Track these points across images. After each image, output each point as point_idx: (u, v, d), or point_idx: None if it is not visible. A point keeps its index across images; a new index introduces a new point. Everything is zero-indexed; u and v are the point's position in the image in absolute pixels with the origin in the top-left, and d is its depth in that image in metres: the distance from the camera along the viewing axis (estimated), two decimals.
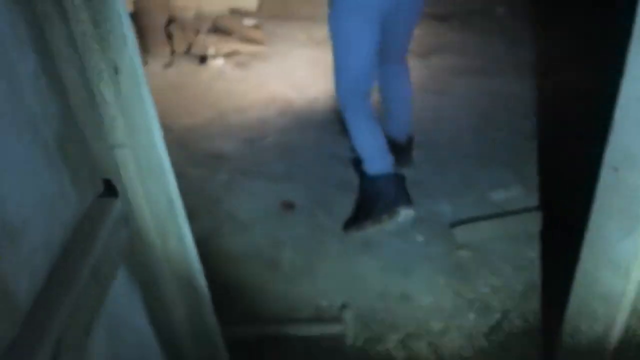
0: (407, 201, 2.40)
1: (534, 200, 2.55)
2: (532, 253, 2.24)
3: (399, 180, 2.48)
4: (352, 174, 2.95)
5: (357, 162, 2.79)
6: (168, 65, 4.60)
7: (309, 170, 3.05)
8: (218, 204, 2.86)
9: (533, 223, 2.37)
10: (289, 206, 2.76)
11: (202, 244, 2.63)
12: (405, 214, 2.40)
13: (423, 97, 3.37)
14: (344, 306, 2.08)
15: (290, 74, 4.19)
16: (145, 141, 0.95)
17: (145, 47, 4.74)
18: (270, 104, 3.83)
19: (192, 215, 2.83)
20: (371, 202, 2.47)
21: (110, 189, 0.86)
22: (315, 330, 1.98)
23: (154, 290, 1.01)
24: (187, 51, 4.76)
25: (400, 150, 2.89)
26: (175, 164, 3.22)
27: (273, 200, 2.83)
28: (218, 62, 4.51)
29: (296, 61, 4.38)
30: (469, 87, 3.55)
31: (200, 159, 3.30)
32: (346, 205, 2.71)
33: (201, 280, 1.27)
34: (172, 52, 4.76)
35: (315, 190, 2.86)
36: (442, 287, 2.14)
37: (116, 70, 0.83)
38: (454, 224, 2.45)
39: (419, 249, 2.37)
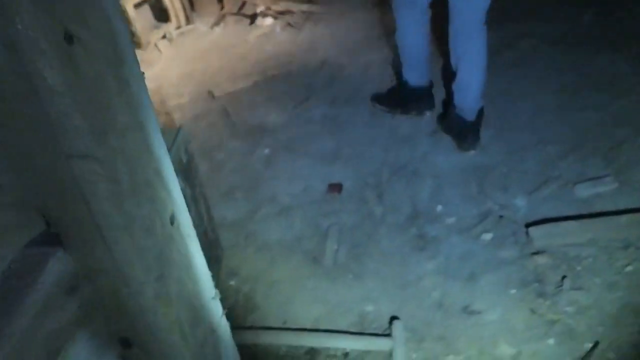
0: (432, 107, 2.80)
1: (629, 197, 2.12)
2: (630, 266, 1.83)
3: (430, 89, 2.78)
4: (409, 156, 2.59)
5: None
6: (215, 24, 4.30)
7: (361, 150, 2.71)
8: (257, 182, 2.59)
9: (635, 227, 1.95)
10: (335, 189, 2.45)
11: (236, 228, 2.38)
12: (429, 114, 2.79)
13: (497, 68, 2.92)
14: (393, 317, 1.77)
15: (343, 37, 3.80)
16: (130, 147, 0.66)
17: (192, 6, 4.47)
18: (319, 70, 3.47)
19: (228, 195, 2.59)
20: (404, 98, 2.79)
21: (51, 230, 0.58)
22: (358, 344, 1.69)
23: (144, 351, 0.74)
24: (238, 11, 4.44)
25: (468, 126, 2.51)
26: (215, 134, 2.96)
27: (318, 182, 2.52)
28: (267, 22, 4.17)
29: (351, 23, 3.97)
30: (551, 59, 3.06)
31: (242, 130, 3.02)
32: (401, 192, 2.37)
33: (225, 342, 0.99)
34: (222, 11, 4.45)
35: (366, 173, 2.53)
36: (515, 301, 1.79)
37: (70, 39, 0.54)
38: (531, 223, 2.07)
39: (487, 251, 2.01)
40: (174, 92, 3.51)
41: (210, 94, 3.44)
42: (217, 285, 1.97)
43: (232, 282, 2.01)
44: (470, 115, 2.50)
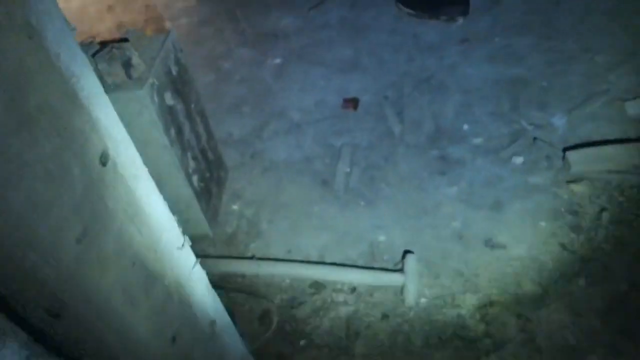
0: (467, 12, 2.46)
1: None
2: None
3: None
4: (435, 67, 2.31)
5: None
6: None
7: (382, 59, 2.43)
8: (267, 94, 2.36)
9: None
10: (351, 105, 2.21)
11: (242, 146, 2.19)
12: (461, 21, 2.46)
13: None
14: (407, 251, 1.60)
15: None
16: (10, 60, 0.46)
17: None
18: None
19: (235, 109, 2.38)
20: (434, 1, 2.52)
21: None
22: (366, 279, 1.55)
23: (76, 321, 0.57)
24: None
25: None
26: (223, 42, 2.70)
27: (333, 95, 2.29)
28: None
29: None
30: None
31: (253, 37, 2.75)
32: (424, 108, 2.13)
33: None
34: None
35: (386, 85, 2.27)
36: (544, 235, 1.60)
37: None
38: (569, 147, 1.82)
39: (516, 176, 1.79)
40: None
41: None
42: (219, 209, 1.83)
43: (235, 206, 1.86)
44: None
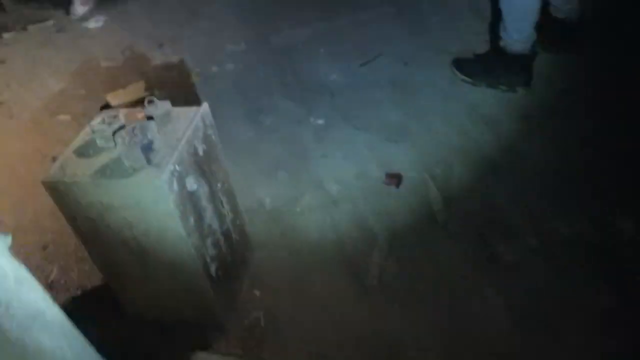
0: (528, 83, 2.29)
1: None
2: None
3: (530, 59, 2.29)
4: (489, 144, 2.11)
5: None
6: None
7: (431, 128, 2.25)
8: (305, 159, 2.22)
9: None
10: (394, 181, 2.04)
11: (273, 219, 2.00)
12: (522, 92, 2.30)
13: None
14: None
15: None
16: None
17: None
18: (397, 18, 2.97)
19: (271, 173, 2.24)
20: (496, 67, 2.32)
21: None
22: None
23: None
24: None
25: (567, 29, 2.37)
26: (264, 94, 2.58)
27: (374, 167, 2.12)
28: None
29: None
30: None
31: (296, 90, 2.63)
32: (474, 194, 1.92)
33: None
34: None
35: (434, 161, 2.09)
36: None
37: None
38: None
39: (577, 294, 1.56)
40: (231, 36, 3.14)
41: (264, 41, 3.04)
42: (238, 295, 1.68)
43: (257, 292, 1.71)
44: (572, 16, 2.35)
